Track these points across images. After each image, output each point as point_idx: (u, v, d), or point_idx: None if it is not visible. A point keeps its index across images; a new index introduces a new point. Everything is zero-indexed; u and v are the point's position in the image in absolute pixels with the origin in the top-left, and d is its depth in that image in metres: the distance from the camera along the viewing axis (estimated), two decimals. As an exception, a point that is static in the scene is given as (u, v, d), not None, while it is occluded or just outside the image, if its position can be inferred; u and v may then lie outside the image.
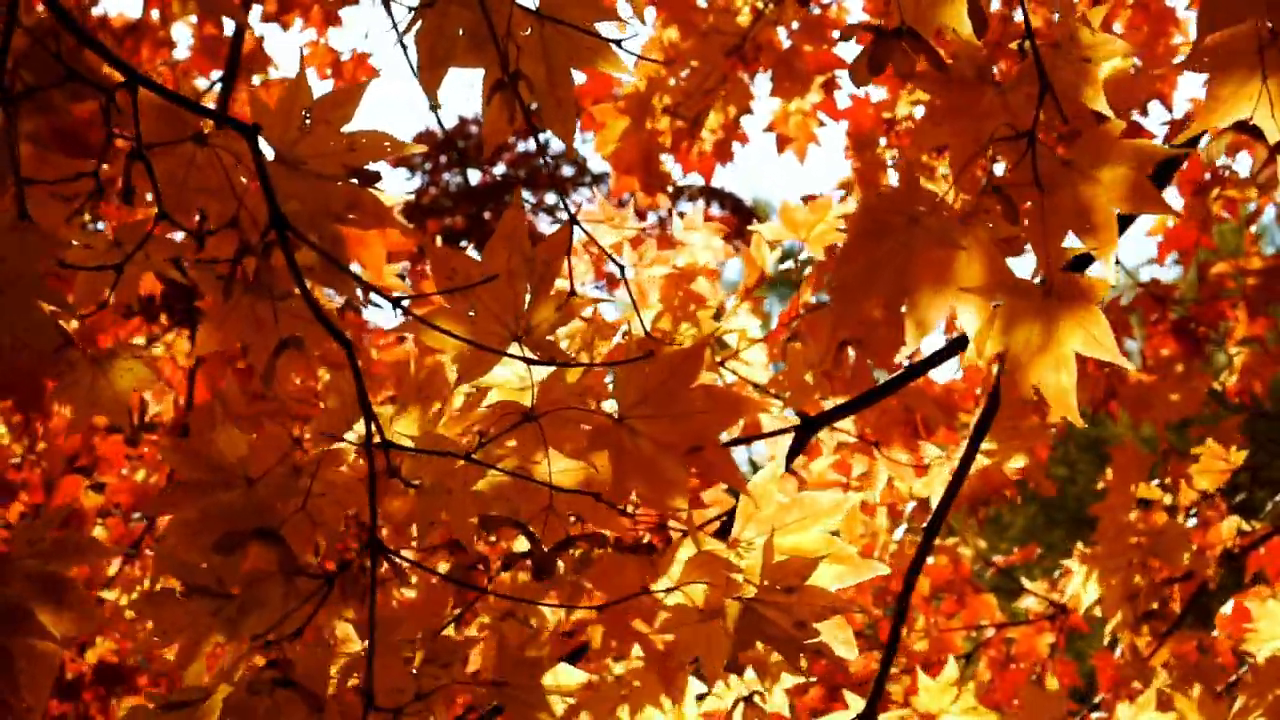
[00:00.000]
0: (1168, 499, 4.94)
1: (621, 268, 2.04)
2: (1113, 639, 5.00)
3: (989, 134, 1.81)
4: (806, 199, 3.42)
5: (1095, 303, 1.80)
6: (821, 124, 5.45)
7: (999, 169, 1.85)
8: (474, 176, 14.69)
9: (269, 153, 1.85)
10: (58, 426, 4.99)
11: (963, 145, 1.82)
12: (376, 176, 1.85)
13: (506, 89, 1.75)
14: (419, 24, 1.83)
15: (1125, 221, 4.33)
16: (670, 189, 5.49)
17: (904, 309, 1.83)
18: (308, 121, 1.83)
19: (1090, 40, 1.84)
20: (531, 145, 14.22)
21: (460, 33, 1.83)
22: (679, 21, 5.11)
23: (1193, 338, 5.01)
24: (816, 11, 5.15)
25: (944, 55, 1.83)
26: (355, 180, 1.84)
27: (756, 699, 2.26)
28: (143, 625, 4.44)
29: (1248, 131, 1.79)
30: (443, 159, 14.22)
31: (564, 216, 3.94)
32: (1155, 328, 5.08)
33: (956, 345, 2.66)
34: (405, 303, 1.81)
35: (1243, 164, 4.75)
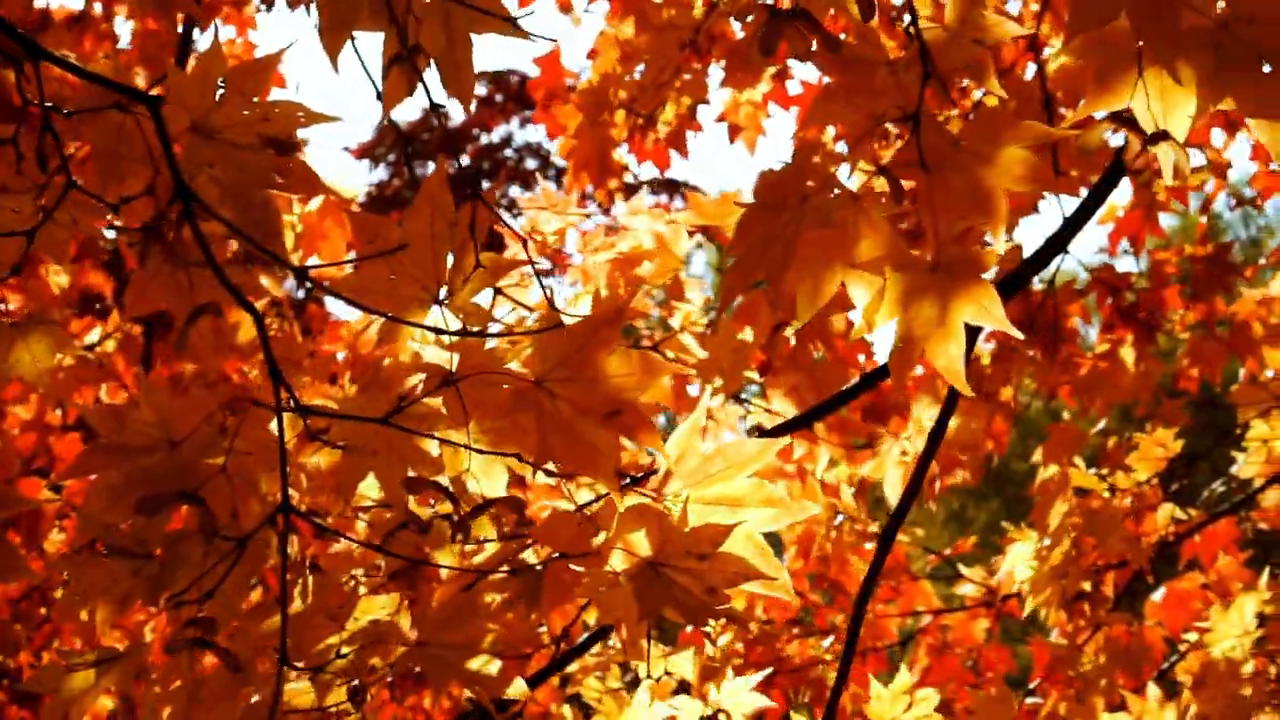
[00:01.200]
0: (1103, 487, 5.00)
1: (524, 240, 2.06)
2: (1047, 627, 5.05)
3: (882, 113, 1.85)
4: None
5: (982, 273, 1.84)
6: (770, 115, 5.51)
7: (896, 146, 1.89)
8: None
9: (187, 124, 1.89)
10: (11, 425, 5.01)
11: (857, 124, 1.86)
12: (295, 146, 1.88)
13: (404, 62, 1.79)
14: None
15: (1085, 215, 4.39)
16: (629, 181, 5.53)
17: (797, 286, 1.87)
18: (222, 91, 1.86)
19: (983, 22, 1.89)
20: (495, 138, 14.28)
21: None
22: (634, 17, 5.15)
23: (1143, 324, 5.06)
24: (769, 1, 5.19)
25: (841, 35, 1.87)
26: (274, 150, 1.88)
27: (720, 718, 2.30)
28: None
29: (1123, 122, 1.83)
30: (408, 150, 14.23)
31: (520, 208, 3.96)
32: (1108, 315, 5.13)
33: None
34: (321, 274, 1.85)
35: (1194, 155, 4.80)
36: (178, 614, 1.98)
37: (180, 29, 4.82)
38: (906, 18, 1.92)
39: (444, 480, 1.97)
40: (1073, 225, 4.21)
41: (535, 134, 19.48)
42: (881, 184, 1.84)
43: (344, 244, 4.27)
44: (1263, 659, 3.76)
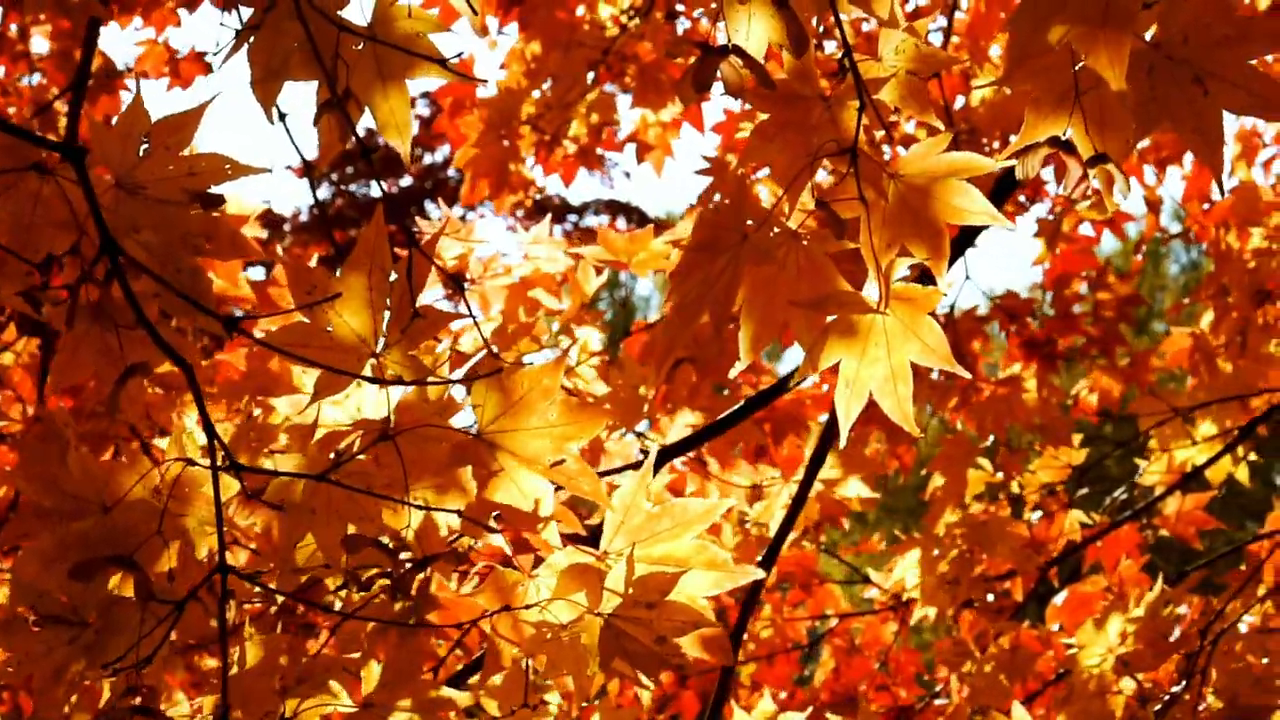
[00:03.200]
0: (1000, 495, 5.01)
1: (460, 287, 2.00)
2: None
3: (818, 148, 1.79)
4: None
5: (927, 312, 1.79)
6: (679, 136, 5.47)
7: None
8: (380, 189, 14.44)
9: (110, 180, 1.80)
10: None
11: (793, 160, 1.80)
12: (220, 200, 1.80)
13: (334, 109, 1.72)
14: (251, 39, 1.79)
15: (971, 236, 4.38)
16: (541, 200, 5.47)
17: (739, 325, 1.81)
18: (146, 145, 1.78)
19: (915, 53, 1.84)
20: (438, 158, 14.11)
21: (295, 45, 1.79)
22: (542, 35, 5.09)
23: (1045, 354, 5.08)
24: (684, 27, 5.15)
25: (776, 71, 1.81)
26: (199, 204, 1.80)
27: None
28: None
29: (1062, 147, 1.79)
30: (349, 170, 14.06)
31: (421, 232, 3.89)
32: (1011, 341, 5.15)
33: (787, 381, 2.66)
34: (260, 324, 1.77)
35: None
36: (116, 682, 1.89)
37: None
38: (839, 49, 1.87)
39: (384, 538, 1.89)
40: (958, 247, 4.20)
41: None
42: (821, 221, 1.78)
43: (240, 264, 4.14)
44: (1127, 675, 3.76)
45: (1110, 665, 3.83)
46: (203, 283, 1.81)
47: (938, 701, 5.39)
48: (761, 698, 5.02)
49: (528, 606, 1.89)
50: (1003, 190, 4.18)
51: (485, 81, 1.84)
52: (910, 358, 1.79)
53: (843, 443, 1.85)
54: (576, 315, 3.71)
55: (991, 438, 5.16)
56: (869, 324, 1.79)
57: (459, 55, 1.88)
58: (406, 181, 14.31)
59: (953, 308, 4.96)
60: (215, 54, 1.91)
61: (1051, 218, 5.13)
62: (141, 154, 1.79)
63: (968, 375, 1.80)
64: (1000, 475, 5.09)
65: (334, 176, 14.36)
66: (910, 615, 5.56)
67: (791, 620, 5.76)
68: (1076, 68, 1.74)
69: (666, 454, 2.41)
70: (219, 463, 1.82)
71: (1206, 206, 5.34)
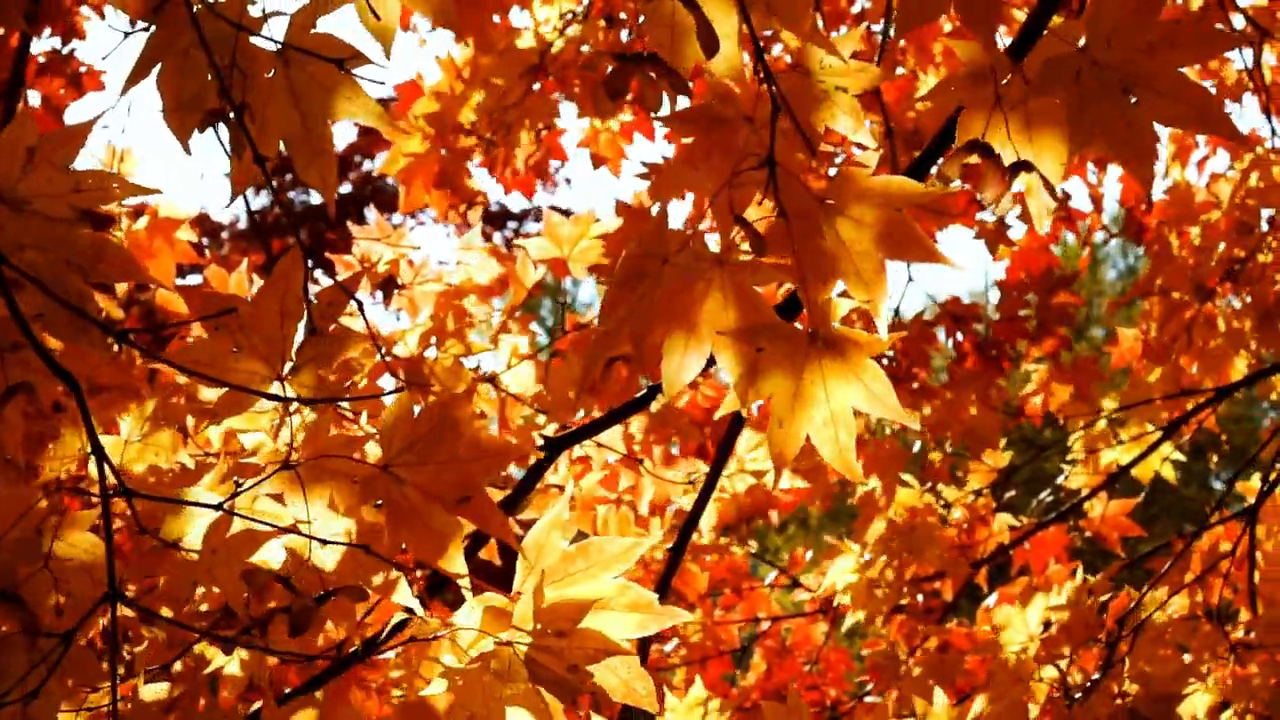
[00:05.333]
0: (929, 499, 4.94)
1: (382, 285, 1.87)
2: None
3: (740, 165, 1.64)
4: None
5: (870, 357, 1.64)
6: (632, 142, 5.33)
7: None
8: (317, 196, 14.23)
9: None
10: None
11: (717, 185, 1.66)
12: (110, 220, 1.67)
13: (220, 118, 1.58)
14: (159, 66, 1.65)
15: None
16: (499, 208, 5.32)
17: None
18: (30, 158, 1.64)
19: (838, 69, 1.71)
20: (378, 164, 13.89)
21: (209, 78, 1.65)
22: (475, 40, 4.93)
23: (991, 357, 5.00)
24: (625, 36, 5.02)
25: (698, 94, 1.69)
26: (89, 224, 1.65)
27: None
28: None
29: (979, 150, 1.67)
30: (288, 177, 13.82)
31: (354, 238, 3.72)
32: (959, 346, 5.06)
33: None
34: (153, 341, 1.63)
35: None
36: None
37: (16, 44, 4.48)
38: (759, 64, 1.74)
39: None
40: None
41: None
42: (746, 247, 1.64)
43: (173, 264, 3.99)
44: (1047, 660, 3.70)
45: (1032, 653, 3.77)
46: (91, 308, 1.67)
47: (868, 699, 5.33)
48: (694, 685, 4.96)
49: (435, 637, 1.76)
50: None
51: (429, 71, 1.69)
52: (852, 404, 1.65)
53: (781, 482, 1.73)
54: (514, 315, 3.59)
55: (918, 444, 5.08)
56: (803, 361, 1.65)
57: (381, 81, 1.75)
58: (345, 189, 14.11)
59: (898, 311, 4.86)
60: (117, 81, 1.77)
61: (990, 221, 5.05)
62: (24, 169, 1.64)
63: (916, 426, 1.66)
64: (927, 487, 5.02)
65: (274, 183, 14.12)
66: (840, 616, 5.50)
67: (723, 623, 5.69)
68: (1003, 82, 1.63)
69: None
70: (108, 489, 1.69)
71: (1145, 208, 5.28)
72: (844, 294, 1.68)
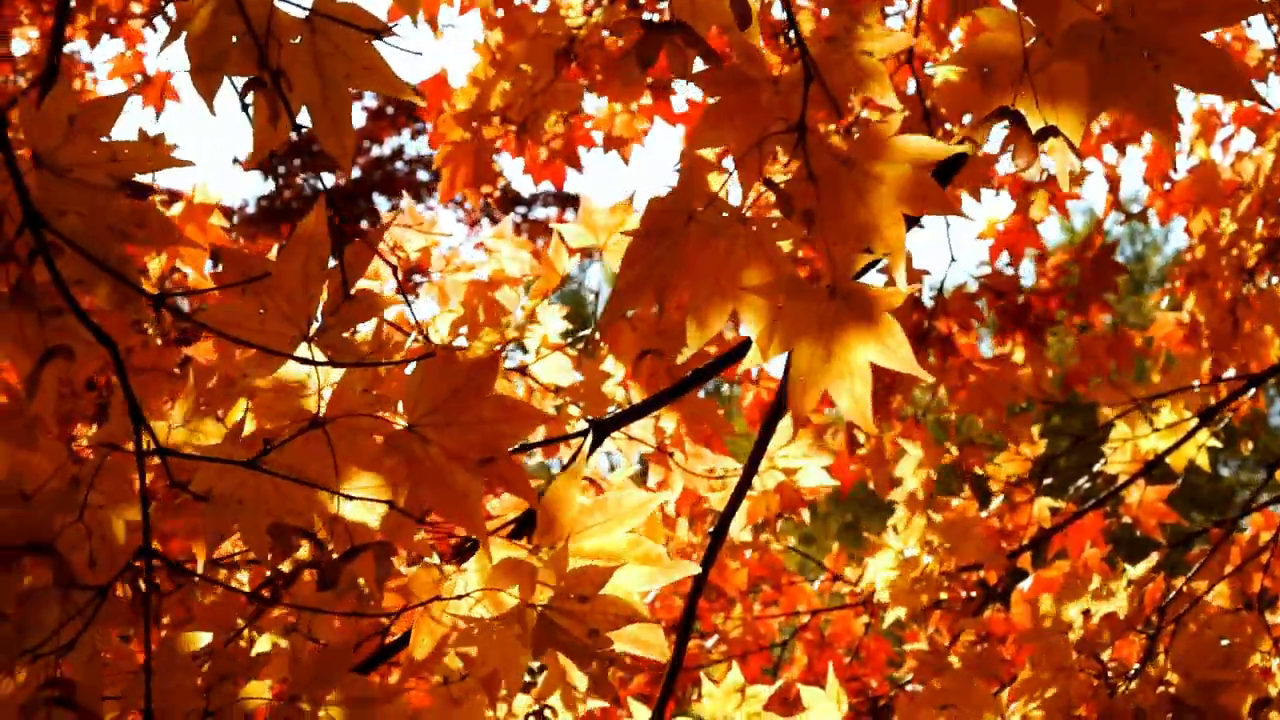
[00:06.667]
0: (965, 491, 4.95)
1: (397, 270, 1.90)
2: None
3: (768, 129, 1.69)
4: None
5: (887, 310, 1.68)
6: (651, 123, 5.35)
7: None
8: (328, 180, 14.39)
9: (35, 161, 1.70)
10: None
11: (743, 145, 1.70)
12: (148, 190, 1.70)
13: (262, 87, 1.61)
14: (188, 29, 1.69)
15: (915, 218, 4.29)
16: (502, 192, 5.35)
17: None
18: (71, 127, 1.68)
19: (868, 34, 1.74)
20: (386, 150, 13.98)
21: (234, 40, 1.69)
22: (505, 25, 4.96)
23: (1032, 327, 5.00)
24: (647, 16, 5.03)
25: (723, 56, 1.72)
26: (128, 193, 1.70)
27: (547, 713, 2.15)
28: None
29: (1010, 116, 1.70)
30: (296, 162, 13.90)
31: (400, 222, 3.76)
32: (1000, 318, 5.08)
33: (743, 349, 2.55)
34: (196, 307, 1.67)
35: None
36: (34, 676, 1.78)
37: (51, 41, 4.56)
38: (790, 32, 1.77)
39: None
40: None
41: (426, 146, 19.10)
42: (772, 205, 1.68)
43: (208, 250, 4.04)
44: (1085, 656, 3.70)
45: (1073, 640, 3.78)
46: (131, 272, 1.71)
47: (908, 688, 5.34)
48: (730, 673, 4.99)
49: (458, 597, 1.80)
50: (947, 173, 4.08)
51: (455, 62, 1.72)
52: (869, 358, 1.69)
53: (794, 435, 1.76)
54: (546, 303, 3.59)
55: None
56: (823, 316, 1.69)
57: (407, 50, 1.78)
58: (355, 174, 14.17)
59: (942, 287, 4.87)
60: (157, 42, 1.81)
61: (996, 195, 5.06)
62: (65, 137, 1.69)
63: (929, 379, 1.69)
64: (964, 475, 5.03)
65: (281, 169, 14.21)
66: (881, 608, 5.52)
67: (762, 618, 5.72)
68: (1028, 44, 1.66)
69: (603, 428, 2.30)
70: (144, 447, 1.73)
71: (1167, 187, 5.27)
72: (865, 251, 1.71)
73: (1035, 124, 1.69)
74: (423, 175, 15.02)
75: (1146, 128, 1.69)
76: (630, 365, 3.22)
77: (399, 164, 14.70)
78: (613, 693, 1.84)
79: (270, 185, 14.31)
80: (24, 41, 5.24)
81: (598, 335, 3.19)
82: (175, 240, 1.85)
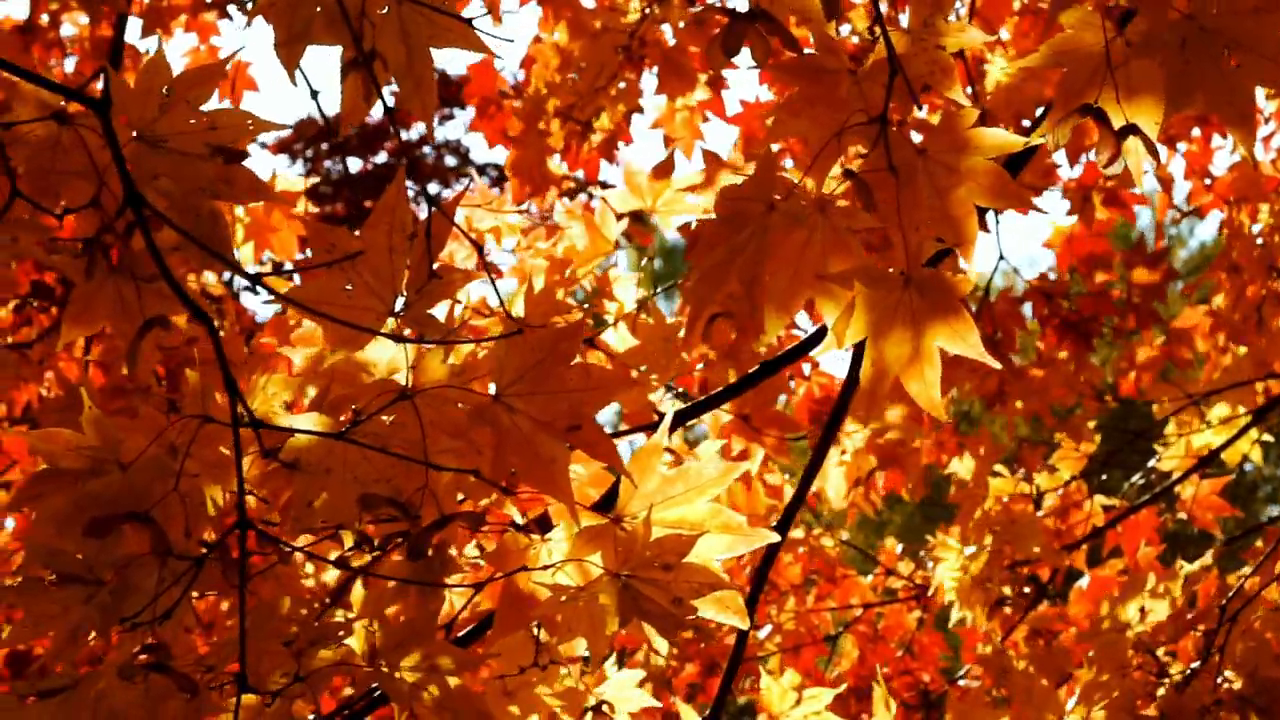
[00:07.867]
0: (1024, 487, 4.97)
1: (480, 247, 1.95)
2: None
3: (846, 120, 1.74)
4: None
5: (957, 298, 1.73)
6: (707, 120, 5.39)
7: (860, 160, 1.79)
8: (355, 164, 14.47)
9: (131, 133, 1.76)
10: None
11: (820, 135, 1.75)
12: (244, 155, 1.76)
13: (361, 68, 1.67)
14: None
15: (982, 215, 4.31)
16: (571, 188, 5.39)
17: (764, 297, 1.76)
18: (167, 99, 1.74)
19: (944, 29, 1.79)
20: (414, 135, 14.03)
21: (318, 10, 1.74)
22: (568, 23, 5.01)
23: (1080, 332, 5.01)
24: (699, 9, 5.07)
25: (802, 45, 1.76)
26: (222, 159, 1.76)
27: (604, 708, 2.19)
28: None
29: (1092, 114, 1.74)
30: (324, 146, 13.98)
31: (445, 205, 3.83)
32: (1047, 323, 5.09)
33: (814, 338, 2.60)
34: (286, 281, 1.73)
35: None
36: (130, 641, 1.85)
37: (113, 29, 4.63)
38: (862, 24, 1.81)
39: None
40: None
41: (454, 131, 19.07)
42: (848, 196, 1.73)
43: (294, 239, 4.10)
44: (1142, 654, 3.71)
45: (1131, 640, 3.79)
46: (221, 228, 1.76)
47: (961, 683, 5.37)
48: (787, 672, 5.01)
49: (545, 568, 1.85)
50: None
51: (504, 52, 1.78)
52: (939, 343, 1.74)
53: (869, 420, 1.81)
54: (604, 278, 3.63)
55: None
56: (896, 303, 1.74)
57: (508, 39, 1.84)
58: (381, 157, 14.22)
59: (989, 289, 4.90)
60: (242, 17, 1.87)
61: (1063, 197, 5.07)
62: (161, 109, 1.75)
63: (997, 365, 1.74)
64: (1020, 476, 5.05)
65: (309, 153, 14.27)
66: (934, 604, 5.54)
67: (816, 610, 5.76)
68: (1109, 40, 1.69)
69: (683, 416, 2.35)
70: (239, 419, 1.78)
71: (1208, 183, 5.26)
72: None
73: (1116, 121, 1.72)
74: (450, 160, 15.09)
75: (1225, 124, 1.73)
76: (697, 336, 3.26)
77: (425, 149, 14.76)
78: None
79: (299, 168, 14.39)
80: (72, 26, 5.30)
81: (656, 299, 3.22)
82: (264, 196, 1.89)
